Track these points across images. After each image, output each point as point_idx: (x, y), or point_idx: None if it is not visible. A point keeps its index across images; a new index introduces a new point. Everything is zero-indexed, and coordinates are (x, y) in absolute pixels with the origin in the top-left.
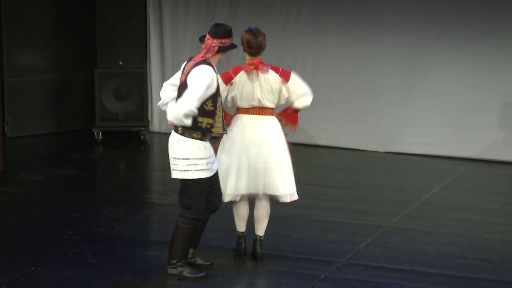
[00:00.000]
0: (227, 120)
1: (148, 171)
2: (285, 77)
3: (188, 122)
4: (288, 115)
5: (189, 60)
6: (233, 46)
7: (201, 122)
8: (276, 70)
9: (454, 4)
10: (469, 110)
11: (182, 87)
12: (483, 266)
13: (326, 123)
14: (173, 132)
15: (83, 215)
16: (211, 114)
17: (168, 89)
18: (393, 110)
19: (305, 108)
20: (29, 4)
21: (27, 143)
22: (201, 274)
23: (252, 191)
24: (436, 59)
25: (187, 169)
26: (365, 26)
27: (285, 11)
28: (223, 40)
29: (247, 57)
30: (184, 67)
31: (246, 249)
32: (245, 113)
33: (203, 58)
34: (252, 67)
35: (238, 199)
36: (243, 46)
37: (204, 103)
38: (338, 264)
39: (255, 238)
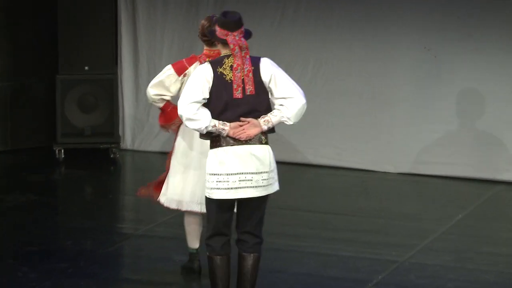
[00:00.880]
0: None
1: (119, 195)
2: None
3: None
4: None
5: (216, 65)
6: (249, 35)
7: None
8: None
9: (479, 1)
10: (502, 123)
11: (254, 97)
12: None
13: (329, 139)
14: (250, 146)
15: (42, 248)
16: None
17: (198, 108)
18: (409, 124)
19: None
20: None
21: None
22: None
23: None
24: (461, 64)
25: (276, 179)
26: (376, 25)
27: (281, 6)
28: (241, 30)
29: (206, 47)
30: (222, 75)
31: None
32: None
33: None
34: (207, 59)
35: (190, 208)
36: (198, 32)
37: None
38: None
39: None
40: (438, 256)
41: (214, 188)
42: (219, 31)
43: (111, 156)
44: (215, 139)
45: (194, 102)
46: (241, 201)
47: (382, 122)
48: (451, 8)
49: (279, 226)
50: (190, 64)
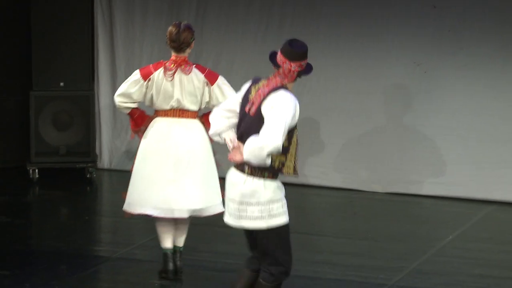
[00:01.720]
0: (146, 123)
1: (96, 217)
2: (211, 79)
3: (269, 161)
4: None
5: (255, 82)
6: (310, 69)
7: (274, 161)
8: (202, 70)
9: (473, 12)
10: (493, 141)
11: (252, 119)
12: None
13: (314, 158)
14: (234, 171)
15: (15, 273)
16: (285, 151)
17: (221, 116)
18: (398, 142)
19: None
20: None
21: None
22: None
23: (171, 204)
24: (452, 79)
25: (259, 215)
26: (363, 41)
27: (264, 22)
28: (302, 63)
29: (173, 52)
30: (249, 91)
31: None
32: (164, 116)
33: (282, 84)
34: (172, 65)
35: (160, 214)
36: (167, 40)
37: None
38: None
39: (175, 249)
40: (427, 279)
41: None
42: (279, 57)
43: (88, 176)
44: None
45: (224, 109)
46: None
47: (370, 140)
48: (441, 23)
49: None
50: (156, 69)
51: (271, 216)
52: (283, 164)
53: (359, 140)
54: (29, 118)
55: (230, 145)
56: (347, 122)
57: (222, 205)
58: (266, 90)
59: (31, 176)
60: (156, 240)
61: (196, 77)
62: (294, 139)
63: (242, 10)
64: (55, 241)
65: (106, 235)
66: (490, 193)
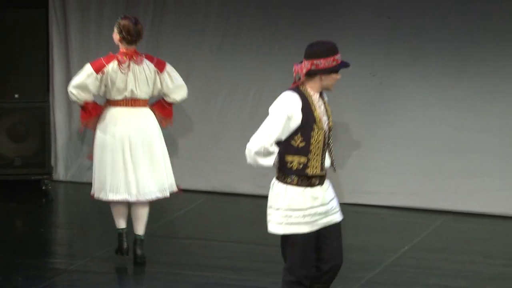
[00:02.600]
0: (99, 112)
1: (51, 229)
2: (160, 67)
3: (269, 163)
4: (161, 107)
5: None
6: (335, 67)
7: (291, 162)
8: (151, 59)
9: (427, 23)
10: (449, 151)
11: None
12: None
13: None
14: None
15: None
16: (303, 151)
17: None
18: (354, 152)
19: (183, 101)
20: None
21: None
22: None
23: (129, 190)
24: (407, 89)
25: (280, 221)
26: None
27: (220, 34)
28: (315, 61)
29: (122, 45)
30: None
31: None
32: (116, 105)
33: (295, 85)
34: (125, 57)
35: (117, 198)
36: (120, 34)
37: (291, 137)
38: None
39: (135, 238)
40: None
41: None
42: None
43: (43, 187)
44: None
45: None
46: None
47: None
48: (396, 34)
49: (216, 260)
50: (108, 62)
51: (289, 223)
52: (305, 165)
53: None
54: None
55: None
56: None
57: (175, 186)
58: None
59: None
60: (112, 252)
61: (148, 66)
62: (314, 138)
63: (199, 20)
64: (10, 254)
65: (62, 247)
66: (445, 203)
